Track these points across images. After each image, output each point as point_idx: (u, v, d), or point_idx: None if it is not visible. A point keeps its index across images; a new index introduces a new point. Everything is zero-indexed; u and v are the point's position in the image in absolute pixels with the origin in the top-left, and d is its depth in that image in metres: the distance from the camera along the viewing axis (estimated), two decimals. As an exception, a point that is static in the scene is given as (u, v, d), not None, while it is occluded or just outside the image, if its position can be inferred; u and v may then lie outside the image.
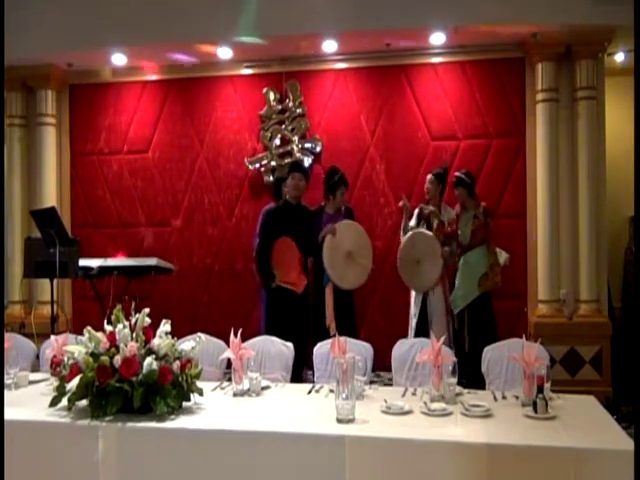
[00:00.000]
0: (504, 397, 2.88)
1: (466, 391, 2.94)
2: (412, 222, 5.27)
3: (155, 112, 6.43)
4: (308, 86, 6.16)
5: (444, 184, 5.29)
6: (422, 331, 4.98)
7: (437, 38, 5.65)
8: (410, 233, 5.20)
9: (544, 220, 5.55)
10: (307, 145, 6.13)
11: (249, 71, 6.26)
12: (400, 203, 5.34)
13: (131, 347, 2.60)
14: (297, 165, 5.38)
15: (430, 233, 5.14)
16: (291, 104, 6.15)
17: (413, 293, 5.25)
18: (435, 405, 2.64)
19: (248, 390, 2.98)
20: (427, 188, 5.28)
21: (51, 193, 6.36)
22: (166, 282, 6.19)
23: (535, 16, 5.24)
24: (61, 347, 2.93)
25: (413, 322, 5.17)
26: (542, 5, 5.21)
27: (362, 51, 5.95)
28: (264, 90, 6.18)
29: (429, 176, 5.29)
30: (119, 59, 6.07)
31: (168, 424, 2.52)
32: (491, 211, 5.32)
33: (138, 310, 2.78)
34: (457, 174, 5.29)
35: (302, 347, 4.52)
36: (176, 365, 2.65)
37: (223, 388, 3.11)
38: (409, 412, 2.61)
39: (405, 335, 5.06)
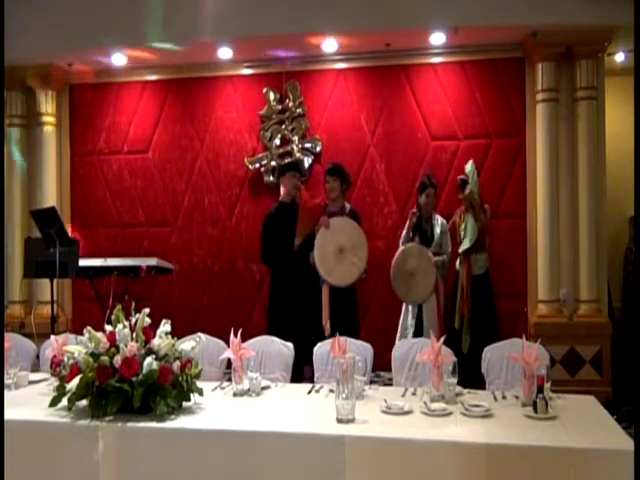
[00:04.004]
0: (504, 397, 2.88)
1: (466, 391, 2.94)
2: (404, 232, 5.24)
3: (155, 112, 6.44)
4: (308, 86, 6.16)
5: (436, 189, 5.25)
6: (419, 336, 4.98)
7: (437, 38, 5.65)
8: (401, 248, 5.15)
9: (544, 220, 5.54)
10: (307, 145, 6.14)
11: (249, 71, 6.26)
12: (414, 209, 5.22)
13: (131, 347, 2.60)
14: (290, 165, 5.44)
15: (418, 245, 5.10)
16: (291, 104, 6.15)
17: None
18: (435, 405, 2.64)
19: (248, 390, 2.98)
20: (427, 202, 5.15)
21: (51, 193, 6.36)
22: (166, 282, 6.20)
23: (535, 16, 5.24)
24: (61, 347, 2.93)
25: (409, 332, 5.10)
26: (542, 5, 5.22)
27: (362, 51, 5.95)
28: (264, 90, 6.18)
29: (429, 189, 5.13)
30: (119, 59, 6.08)
31: (168, 424, 2.52)
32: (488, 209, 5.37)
33: (138, 310, 2.78)
34: (463, 178, 5.28)
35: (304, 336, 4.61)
36: (176, 365, 2.65)
37: (223, 388, 3.11)
38: (409, 412, 2.61)
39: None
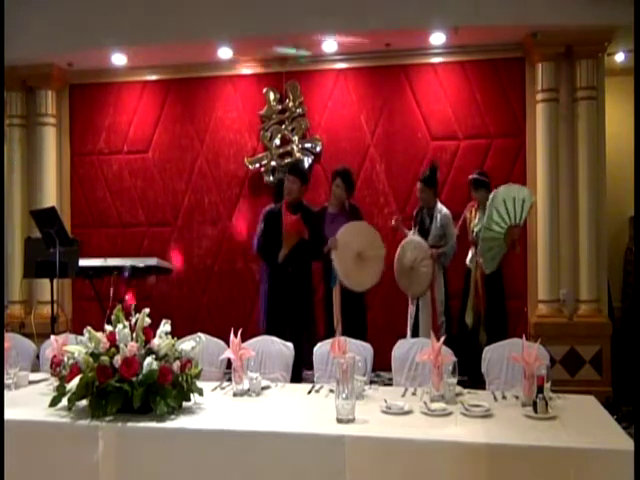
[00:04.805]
0: (504, 397, 2.88)
1: (466, 391, 2.94)
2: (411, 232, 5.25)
3: (155, 112, 6.44)
4: (308, 86, 6.16)
5: (436, 185, 5.27)
6: (417, 332, 5.01)
7: (437, 38, 5.65)
8: (402, 243, 5.19)
9: (544, 220, 5.54)
10: (307, 145, 6.14)
11: (249, 71, 6.27)
12: (393, 223, 5.30)
13: (131, 347, 2.60)
14: (291, 167, 5.40)
15: (417, 237, 5.13)
16: (291, 104, 6.15)
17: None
18: (435, 405, 2.64)
19: (248, 390, 2.98)
20: (420, 197, 5.21)
21: (51, 193, 6.36)
22: (166, 282, 6.19)
23: (535, 16, 5.25)
24: (61, 347, 2.93)
25: (410, 322, 5.17)
26: (542, 5, 5.22)
27: (362, 51, 5.95)
28: (264, 90, 6.18)
29: (418, 184, 5.21)
30: (119, 59, 6.08)
31: (168, 424, 2.52)
32: None
33: (138, 310, 2.78)
34: (474, 176, 5.28)
35: (302, 331, 4.66)
36: (176, 365, 2.65)
37: (223, 388, 3.11)
38: (409, 412, 2.60)
39: (405, 335, 5.07)
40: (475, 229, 5.27)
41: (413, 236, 5.17)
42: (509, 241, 4.95)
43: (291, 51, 5.88)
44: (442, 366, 2.80)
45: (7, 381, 3.09)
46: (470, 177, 5.33)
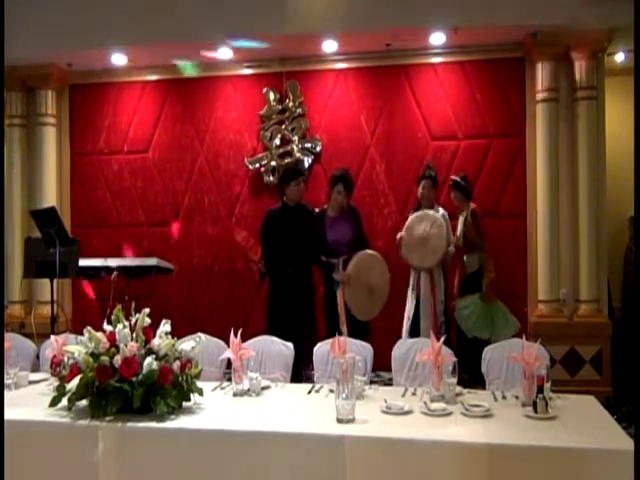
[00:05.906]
0: (504, 397, 2.88)
1: (466, 391, 2.94)
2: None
3: (155, 112, 6.44)
4: (308, 86, 6.17)
5: (434, 180, 5.28)
6: (415, 333, 4.99)
7: (437, 38, 5.65)
8: (418, 213, 5.12)
9: (544, 220, 5.54)
10: (307, 145, 6.14)
11: (249, 71, 6.27)
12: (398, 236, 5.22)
13: (131, 347, 2.60)
14: (297, 171, 5.34)
15: (420, 212, 5.12)
16: (291, 104, 6.15)
17: (408, 296, 5.24)
18: (435, 405, 2.64)
19: (248, 390, 2.98)
20: (423, 193, 5.18)
21: (51, 193, 6.36)
22: (166, 282, 6.19)
23: (535, 16, 5.25)
24: (61, 347, 2.93)
25: (407, 324, 5.16)
26: (542, 5, 5.22)
27: (362, 51, 5.96)
28: (264, 90, 6.18)
29: (425, 181, 5.18)
30: (119, 59, 6.08)
31: (168, 424, 2.52)
32: (478, 213, 5.27)
33: (138, 310, 2.78)
34: (453, 178, 5.32)
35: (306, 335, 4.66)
36: (176, 365, 2.65)
37: (223, 388, 3.11)
38: (409, 412, 2.60)
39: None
40: (458, 233, 5.31)
41: (416, 212, 5.15)
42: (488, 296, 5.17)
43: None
44: (442, 366, 2.80)
45: (7, 381, 3.09)
46: (450, 177, 5.37)
